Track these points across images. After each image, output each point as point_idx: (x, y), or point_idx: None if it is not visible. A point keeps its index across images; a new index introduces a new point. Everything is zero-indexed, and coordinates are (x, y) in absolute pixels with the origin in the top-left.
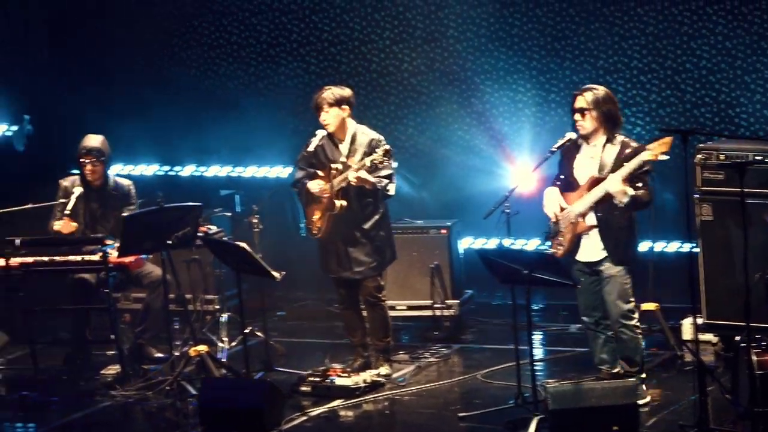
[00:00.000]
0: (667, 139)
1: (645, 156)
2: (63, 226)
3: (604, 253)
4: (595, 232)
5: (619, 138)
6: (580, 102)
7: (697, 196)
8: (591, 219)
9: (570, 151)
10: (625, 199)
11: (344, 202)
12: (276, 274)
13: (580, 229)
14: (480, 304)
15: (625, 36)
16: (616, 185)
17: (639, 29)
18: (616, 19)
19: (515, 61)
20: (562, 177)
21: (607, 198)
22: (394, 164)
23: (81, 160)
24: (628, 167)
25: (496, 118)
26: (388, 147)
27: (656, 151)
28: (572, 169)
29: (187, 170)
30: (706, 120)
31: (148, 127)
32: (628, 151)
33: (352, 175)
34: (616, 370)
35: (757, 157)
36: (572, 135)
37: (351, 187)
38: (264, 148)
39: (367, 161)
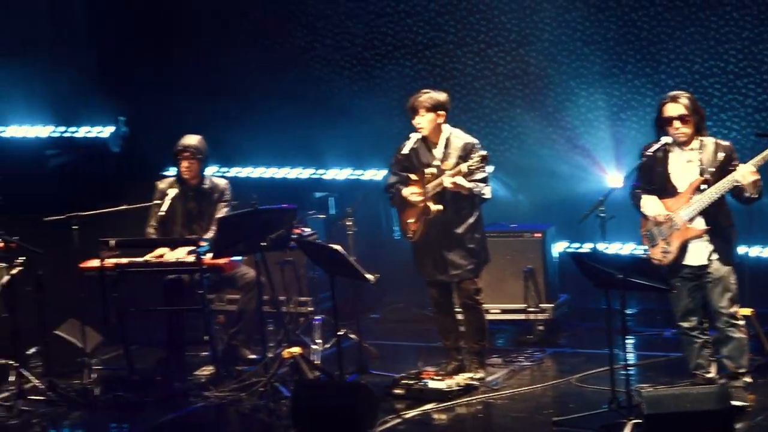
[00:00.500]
0: None
1: None
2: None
3: (715, 256)
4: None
5: (710, 139)
6: (678, 109)
7: None
8: (699, 223)
9: (659, 157)
10: (756, 191)
11: (440, 207)
12: (370, 276)
13: (692, 234)
14: (574, 308)
15: (721, 40)
16: (748, 175)
17: (735, 33)
18: (712, 24)
19: (610, 65)
20: (638, 184)
21: (736, 191)
22: (490, 168)
23: (177, 157)
24: (761, 156)
25: (591, 122)
26: (485, 153)
27: None
28: (668, 175)
29: (282, 172)
30: None
31: (244, 128)
32: (721, 152)
33: (447, 181)
34: (711, 375)
35: None
36: (668, 140)
37: (446, 191)
38: (358, 150)
39: (464, 167)
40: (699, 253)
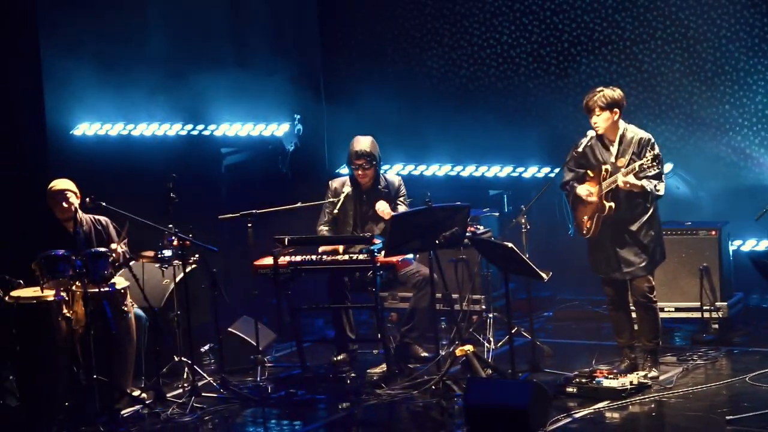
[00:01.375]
0: None
1: None
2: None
3: None
4: None
5: None
6: None
7: None
8: None
9: None
10: None
11: (613, 204)
12: (543, 274)
13: None
14: (750, 306)
15: None
16: None
17: None
18: None
19: None
20: None
21: None
22: (669, 165)
23: (352, 164)
24: None
25: None
26: (657, 152)
27: None
28: None
29: (455, 170)
30: None
31: (415, 127)
32: None
33: (620, 180)
34: None
35: None
36: None
37: (620, 189)
38: (535, 147)
39: (636, 166)
40: None
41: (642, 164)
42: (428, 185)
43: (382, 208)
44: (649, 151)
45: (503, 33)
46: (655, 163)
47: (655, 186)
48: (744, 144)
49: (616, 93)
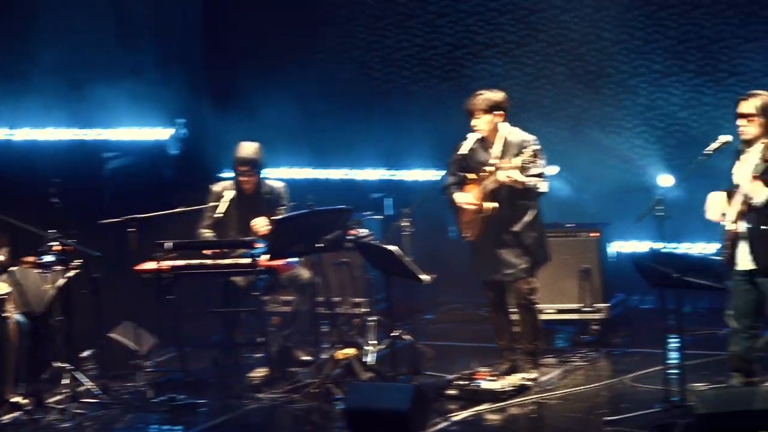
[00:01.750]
0: None
1: None
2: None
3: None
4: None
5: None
6: (746, 107)
7: None
8: (743, 227)
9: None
10: (759, 198)
11: (495, 205)
12: (425, 277)
13: (730, 236)
14: (631, 308)
15: None
16: (746, 184)
17: None
18: None
19: (671, 63)
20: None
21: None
22: (556, 168)
23: (236, 169)
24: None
25: (649, 120)
26: (537, 147)
27: None
28: (732, 175)
29: (338, 173)
30: None
31: (300, 130)
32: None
33: (502, 175)
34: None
35: None
36: (727, 138)
37: (502, 190)
38: (416, 151)
39: (517, 161)
40: (745, 258)
41: (523, 160)
42: (314, 189)
43: (258, 226)
44: (529, 149)
45: (387, 36)
46: (535, 160)
47: (536, 183)
48: (626, 146)
49: (497, 95)
